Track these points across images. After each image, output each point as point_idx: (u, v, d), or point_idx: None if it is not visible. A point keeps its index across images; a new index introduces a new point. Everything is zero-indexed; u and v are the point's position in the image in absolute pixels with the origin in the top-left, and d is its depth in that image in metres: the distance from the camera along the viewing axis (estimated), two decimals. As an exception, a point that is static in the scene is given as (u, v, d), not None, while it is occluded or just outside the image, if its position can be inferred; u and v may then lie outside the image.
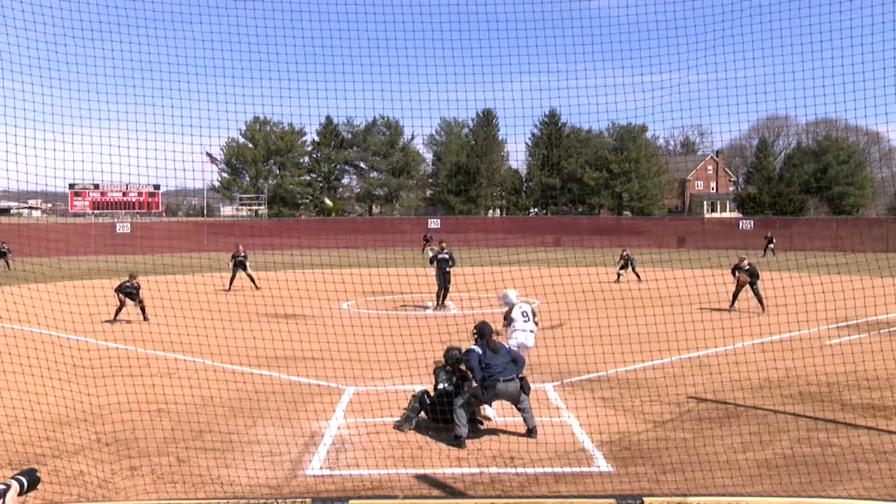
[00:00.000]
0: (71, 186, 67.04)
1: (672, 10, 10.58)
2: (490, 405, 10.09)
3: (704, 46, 10.05)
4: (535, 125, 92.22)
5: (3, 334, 15.59)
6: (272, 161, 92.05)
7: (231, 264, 29.29)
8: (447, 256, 23.76)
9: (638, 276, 32.29)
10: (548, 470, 8.55)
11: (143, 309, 20.79)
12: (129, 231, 60.74)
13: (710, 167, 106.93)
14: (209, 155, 70.44)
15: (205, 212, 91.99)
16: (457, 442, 9.64)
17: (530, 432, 10.00)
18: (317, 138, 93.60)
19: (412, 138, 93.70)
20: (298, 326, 16.03)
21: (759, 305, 21.41)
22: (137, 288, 21.01)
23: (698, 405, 11.45)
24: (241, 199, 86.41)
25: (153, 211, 71.48)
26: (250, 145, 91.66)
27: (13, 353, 13.43)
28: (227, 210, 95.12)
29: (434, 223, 69.76)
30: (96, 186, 68.43)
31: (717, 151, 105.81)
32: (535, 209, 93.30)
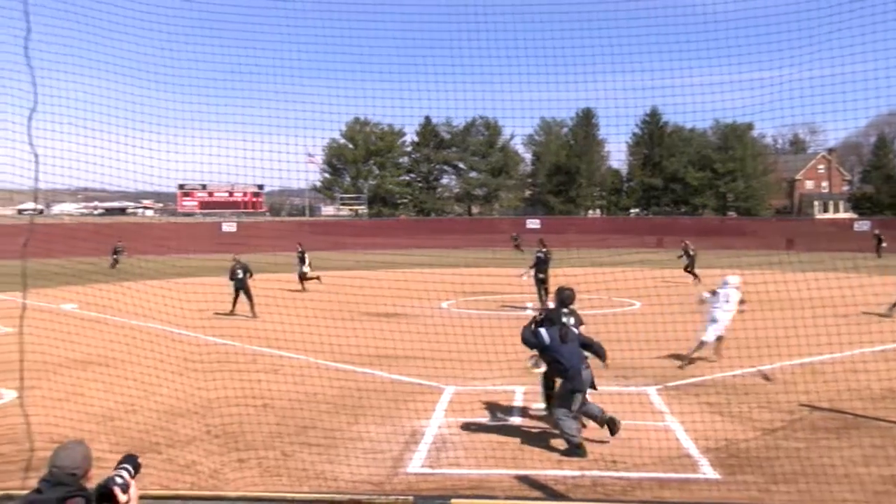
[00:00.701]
0: (180, 187, 69.73)
1: (783, 1, 10.21)
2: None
3: (819, 40, 9.63)
4: (636, 124, 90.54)
5: (122, 328, 16.36)
6: (372, 161, 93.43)
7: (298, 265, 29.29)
8: (544, 256, 23.72)
9: (695, 275, 31.24)
10: (651, 475, 8.37)
11: (250, 302, 21.45)
12: (234, 230, 62.75)
13: (821, 166, 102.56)
14: (310, 155, 72.01)
15: (307, 211, 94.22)
16: (577, 451, 9.17)
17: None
18: (416, 138, 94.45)
19: (511, 138, 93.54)
20: (399, 325, 16.22)
21: None
22: (245, 271, 21.87)
23: (811, 414, 10.99)
24: (341, 198, 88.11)
25: (257, 210, 73.67)
26: (350, 146, 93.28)
27: (131, 346, 14.08)
28: (328, 210, 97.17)
29: (533, 223, 69.46)
30: (204, 187, 70.97)
31: (829, 149, 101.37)
32: (636, 209, 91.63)
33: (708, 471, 8.52)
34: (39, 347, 11.37)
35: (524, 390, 12.31)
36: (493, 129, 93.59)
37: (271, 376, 13.02)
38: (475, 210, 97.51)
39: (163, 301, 14.64)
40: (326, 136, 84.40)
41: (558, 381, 10.04)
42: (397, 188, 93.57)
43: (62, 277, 16.02)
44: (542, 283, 23.65)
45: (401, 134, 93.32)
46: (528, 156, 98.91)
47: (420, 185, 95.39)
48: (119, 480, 4.14)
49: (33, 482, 4.38)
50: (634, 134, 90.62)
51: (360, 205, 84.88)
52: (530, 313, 22.23)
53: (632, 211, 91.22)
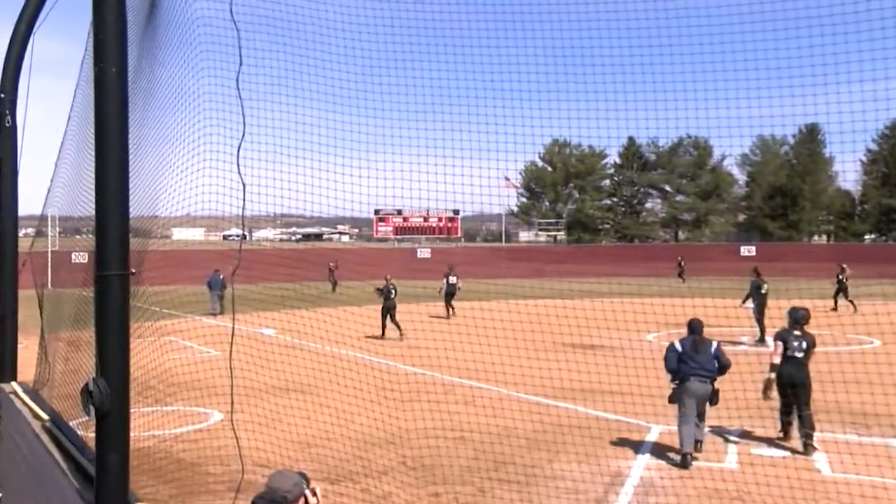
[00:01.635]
0: (376, 212, 72.72)
1: None
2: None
3: None
4: (872, 139, 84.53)
5: (317, 354, 17.29)
6: (571, 184, 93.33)
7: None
8: (760, 286, 22.94)
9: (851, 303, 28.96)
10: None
11: (396, 324, 22.82)
12: (429, 256, 64.59)
13: None
14: (507, 179, 72.91)
15: (503, 237, 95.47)
16: (682, 460, 10.31)
17: (684, 458, 10.33)
18: (618, 160, 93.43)
19: (723, 158, 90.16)
20: (600, 358, 16.00)
21: None
22: (395, 292, 23.61)
23: None
24: (539, 223, 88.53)
25: (452, 236, 75.47)
26: (549, 168, 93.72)
27: (327, 373, 14.84)
28: (524, 235, 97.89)
29: (748, 250, 66.44)
30: (399, 212, 73.60)
31: None
32: (872, 235, 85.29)
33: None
34: (242, 372, 12.22)
35: (740, 431, 11.77)
36: (702, 148, 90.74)
37: (467, 408, 13.25)
38: (682, 236, 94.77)
39: (356, 328, 15.32)
40: (524, 158, 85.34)
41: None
42: (598, 213, 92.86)
43: (260, 303, 17.19)
44: (760, 315, 22.73)
45: (602, 155, 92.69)
46: (741, 177, 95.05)
47: (622, 209, 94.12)
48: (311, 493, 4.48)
49: None
50: (870, 150, 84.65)
51: (558, 230, 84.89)
52: (745, 348, 21.28)
53: (866, 237, 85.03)
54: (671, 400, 10.94)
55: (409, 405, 12.56)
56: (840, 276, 31.08)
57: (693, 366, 10.72)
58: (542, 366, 15.97)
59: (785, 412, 11.48)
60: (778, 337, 11.79)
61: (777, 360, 11.49)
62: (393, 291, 24.21)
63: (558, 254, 69.28)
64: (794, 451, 11.04)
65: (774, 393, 11.64)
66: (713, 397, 10.75)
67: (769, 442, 11.59)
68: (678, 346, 10.98)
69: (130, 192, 4.48)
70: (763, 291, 23.37)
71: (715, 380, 10.79)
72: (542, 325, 18.92)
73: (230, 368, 5.46)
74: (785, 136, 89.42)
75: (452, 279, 32.41)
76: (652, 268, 56.25)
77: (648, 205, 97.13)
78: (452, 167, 10.26)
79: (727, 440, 11.59)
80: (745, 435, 11.82)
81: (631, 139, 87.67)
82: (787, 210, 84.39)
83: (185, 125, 5.92)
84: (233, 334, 5.40)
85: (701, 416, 10.76)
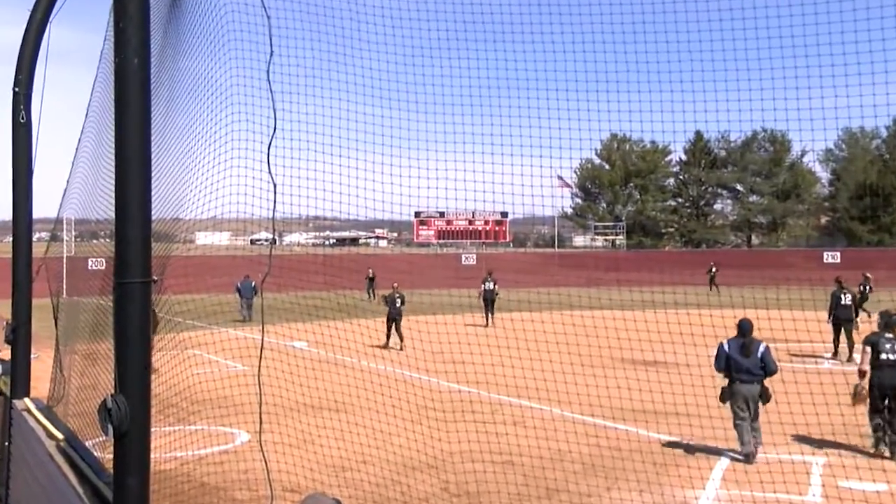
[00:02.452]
0: (416, 215, 72.84)
1: None
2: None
3: None
4: None
5: (353, 370, 17.40)
6: (631, 184, 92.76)
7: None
8: (846, 296, 22.69)
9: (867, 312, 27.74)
10: None
11: (399, 334, 24.34)
12: (474, 263, 64.58)
13: None
14: (560, 178, 72.63)
15: (555, 242, 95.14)
16: (745, 458, 11.57)
17: (747, 457, 11.57)
18: (684, 157, 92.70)
19: (803, 154, 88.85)
20: (663, 375, 15.87)
21: None
22: (402, 301, 25.71)
23: None
24: (595, 227, 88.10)
25: (500, 241, 75.40)
26: (607, 166, 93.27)
27: (363, 390, 14.92)
28: (579, 240, 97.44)
29: (832, 256, 65.43)
30: (441, 214, 73.53)
31: None
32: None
33: None
34: (271, 389, 12.34)
35: (824, 462, 11.58)
36: (779, 143, 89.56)
37: (516, 429, 13.23)
38: (756, 240, 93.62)
39: (394, 340, 15.37)
40: (580, 156, 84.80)
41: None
42: (661, 215, 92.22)
43: (291, 314, 17.32)
44: (840, 329, 22.54)
45: (666, 152, 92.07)
46: (824, 175, 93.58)
47: (688, 210, 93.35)
48: None
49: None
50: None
51: (617, 234, 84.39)
52: (828, 366, 20.96)
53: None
54: (722, 399, 12.11)
55: (451, 425, 12.58)
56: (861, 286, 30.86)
57: (739, 368, 11.94)
58: (598, 383, 15.86)
59: (878, 425, 11.49)
60: (867, 342, 11.85)
61: (866, 367, 11.53)
62: (399, 300, 26.18)
63: (617, 260, 68.87)
64: (889, 483, 10.84)
65: (864, 404, 11.58)
66: (762, 396, 11.84)
67: (859, 473, 11.38)
68: (725, 347, 12.25)
69: (153, 192, 4.53)
70: (846, 303, 23.11)
71: (763, 379, 11.94)
72: (599, 338, 18.78)
73: (258, 385, 5.51)
74: (876, 128, 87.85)
75: (490, 285, 34.37)
76: (721, 276, 55.62)
77: (718, 206, 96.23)
78: (501, 165, 10.24)
79: (810, 471, 11.41)
80: (831, 465, 11.62)
81: (698, 133, 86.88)
82: (879, 211, 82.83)
83: (212, 120, 5.99)
84: (262, 347, 5.45)
85: (755, 415, 11.89)
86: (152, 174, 4.51)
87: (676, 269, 60.05)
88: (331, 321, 18.07)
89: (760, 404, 11.90)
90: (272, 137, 5.16)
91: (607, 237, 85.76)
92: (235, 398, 9.89)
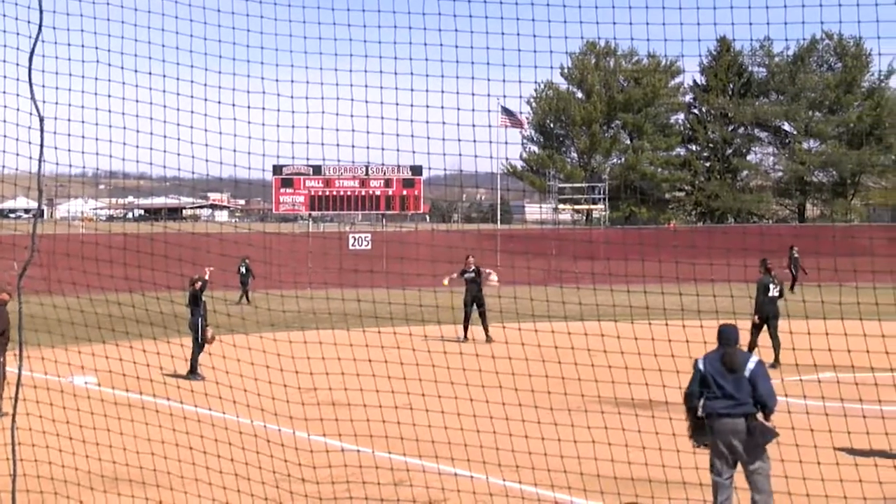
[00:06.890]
0: (276, 171, 70.36)
1: None
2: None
3: None
4: None
5: (178, 418, 17.32)
6: (618, 122, 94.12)
7: None
8: None
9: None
10: None
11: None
12: (369, 247, 64.03)
13: None
14: (506, 111, 72.53)
15: (497, 214, 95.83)
16: None
17: None
18: (701, 79, 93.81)
19: (891, 73, 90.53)
20: (658, 424, 16.16)
21: None
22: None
23: None
24: (561, 189, 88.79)
25: (410, 212, 74.94)
26: (579, 94, 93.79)
27: (192, 452, 14.96)
28: (534, 210, 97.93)
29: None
30: (317, 170, 71.11)
31: None
32: None
33: None
34: (36, 451, 12.15)
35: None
36: (852, 56, 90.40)
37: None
38: (813, 211, 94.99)
39: (255, 372, 15.33)
40: (536, 77, 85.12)
41: None
42: (664, 170, 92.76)
43: (77, 328, 17.13)
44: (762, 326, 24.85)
45: (673, 72, 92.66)
46: None
47: (707, 164, 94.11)
48: None
49: None
50: None
51: (594, 202, 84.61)
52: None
53: None
54: (693, 438, 12.11)
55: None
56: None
57: (718, 393, 11.46)
58: (561, 436, 16.07)
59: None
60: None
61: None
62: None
63: (594, 242, 69.32)
64: None
65: None
66: (753, 435, 11.30)
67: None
68: (701, 366, 11.84)
69: None
70: (773, 294, 25.45)
71: (754, 415, 11.38)
72: (563, 365, 18.92)
73: (12, 444, 5.51)
74: None
75: (470, 273, 33.50)
76: (755, 265, 56.24)
77: (752, 157, 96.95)
78: (410, 92, 10.22)
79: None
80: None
81: (723, 41, 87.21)
82: None
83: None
84: (18, 384, 5.44)
85: (748, 475, 11.49)
86: None
87: (688, 254, 60.74)
88: (138, 339, 17.97)
89: (752, 457, 11.43)
90: (35, 40, 5.08)
91: (579, 206, 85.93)
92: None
